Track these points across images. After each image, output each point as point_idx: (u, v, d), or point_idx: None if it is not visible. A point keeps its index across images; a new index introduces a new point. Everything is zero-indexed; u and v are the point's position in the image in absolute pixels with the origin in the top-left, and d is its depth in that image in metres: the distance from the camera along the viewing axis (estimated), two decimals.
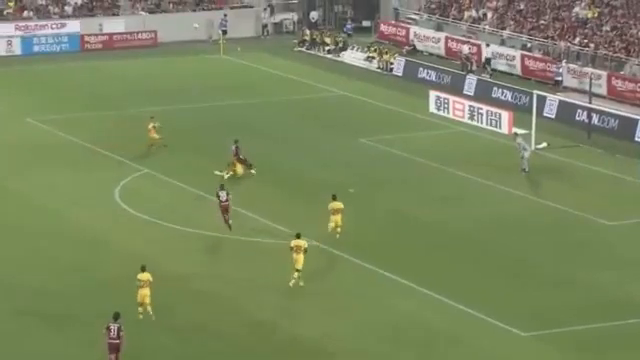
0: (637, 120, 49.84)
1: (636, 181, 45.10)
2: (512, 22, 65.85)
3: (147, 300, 31.78)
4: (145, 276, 32.01)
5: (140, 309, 31.82)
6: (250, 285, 34.59)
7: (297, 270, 33.74)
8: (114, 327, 29.16)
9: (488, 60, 62.72)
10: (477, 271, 35.92)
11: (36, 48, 68.53)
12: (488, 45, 63.41)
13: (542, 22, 64.41)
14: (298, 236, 34.17)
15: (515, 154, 46.18)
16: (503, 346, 30.80)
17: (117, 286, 33.99)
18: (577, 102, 53.82)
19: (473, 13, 68.41)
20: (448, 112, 54.98)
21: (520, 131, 49.00)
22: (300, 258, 33.65)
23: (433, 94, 56.25)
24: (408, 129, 52.81)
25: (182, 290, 34.10)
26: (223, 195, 38.54)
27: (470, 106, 54.32)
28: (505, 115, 52.64)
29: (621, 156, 48.29)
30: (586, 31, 61.80)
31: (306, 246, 33.89)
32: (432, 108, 55.71)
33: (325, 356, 30.12)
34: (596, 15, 62.34)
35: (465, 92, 58.29)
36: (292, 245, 33.89)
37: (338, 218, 37.28)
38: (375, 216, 40.52)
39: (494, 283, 35.05)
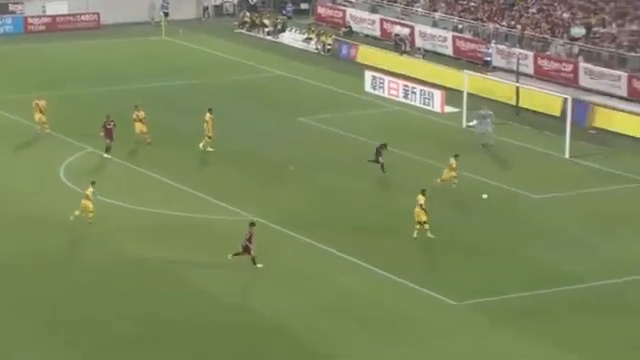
0: (562, 98, 50.96)
1: (562, 157, 46.48)
2: (443, 4, 67.43)
3: (89, 209, 37.27)
4: (90, 190, 37.41)
5: (77, 212, 36.92)
6: (199, 263, 35.04)
7: (417, 222, 36.95)
8: (248, 232, 34.24)
9: (401, 38, 64.02)
10: (414, 245, 36.86)
11: None
12: (404, 25, 64.93)
13: (472, 4, 65.99)
14: (423, 193, 37.33)
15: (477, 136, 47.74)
16: (436, 314, 31.82)
17: (64, 263, 34.83)
18: (506, 81, 55.58)
19: None
20: (383, 91, 56.54)
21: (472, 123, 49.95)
22: (417, 211, 36.93)
23: (369, 74, 57.79)
24: (346, 108, 53.87)
25: (134, 269, 34.66)
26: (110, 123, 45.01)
27: (404, 85, 55.88)
28: (438, 94, 54.33)
29: (548, 133, 49.76)
30: (513, 13, 63.35)
31: (422, 202, 36.86)
32: (368, 87, 57.15)
33: (279, 334, 30.48)
34: None
35: (400, 72, 59.69)
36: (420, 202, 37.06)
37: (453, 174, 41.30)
38: (315, 193, 41.43)
39: (431, 256, 36.19)
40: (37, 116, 48.13)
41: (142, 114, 46.91)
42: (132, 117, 46.82)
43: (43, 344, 29.96)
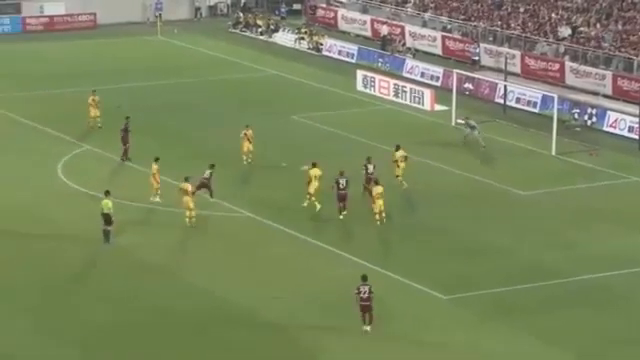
0: (549, 97, 52.05)
1: (546, 153, 47.22)
2: (432, 5, 68.34)
3: (191, 205, 37.53)
4: (185, 185, 37.85)
5: (187, 213, 37.51)
6: (187, 255, 35.93)
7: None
8: (364, 289, 29.84)
9: (384, 37, 65.17)
10: (403, 239, 37.39)
11: None
12: (385, 23, 65.94)
13: (461, 5, 66.74)
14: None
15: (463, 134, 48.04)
16: (425, 308, 32.02)
17: (62, 260, 35.15)
18: (493, 80, 56.54)
19: None
20: (374, 90, 57.52)
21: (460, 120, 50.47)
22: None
23: (360, 73, 58.74)
24: (337, 106, 54.63)
25: (124, 261, 35.19)
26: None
27: (395, 84, 56.77)
28: (427, 93, 55.31)
29: (534, 130, 50.64)
30: (501, 13, 64.40)
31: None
32: (359, 86, 58.12)
33: (257, 325, 30.74)
34: None
35: (390, 71, 60.72)
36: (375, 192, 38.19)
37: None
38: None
39: (419, 251, 36.37)
40: (92, 112, 49.37)
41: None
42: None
43: (33, 332, 30.47)
